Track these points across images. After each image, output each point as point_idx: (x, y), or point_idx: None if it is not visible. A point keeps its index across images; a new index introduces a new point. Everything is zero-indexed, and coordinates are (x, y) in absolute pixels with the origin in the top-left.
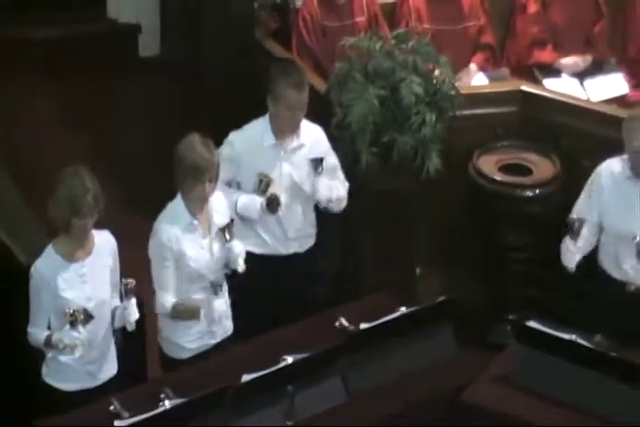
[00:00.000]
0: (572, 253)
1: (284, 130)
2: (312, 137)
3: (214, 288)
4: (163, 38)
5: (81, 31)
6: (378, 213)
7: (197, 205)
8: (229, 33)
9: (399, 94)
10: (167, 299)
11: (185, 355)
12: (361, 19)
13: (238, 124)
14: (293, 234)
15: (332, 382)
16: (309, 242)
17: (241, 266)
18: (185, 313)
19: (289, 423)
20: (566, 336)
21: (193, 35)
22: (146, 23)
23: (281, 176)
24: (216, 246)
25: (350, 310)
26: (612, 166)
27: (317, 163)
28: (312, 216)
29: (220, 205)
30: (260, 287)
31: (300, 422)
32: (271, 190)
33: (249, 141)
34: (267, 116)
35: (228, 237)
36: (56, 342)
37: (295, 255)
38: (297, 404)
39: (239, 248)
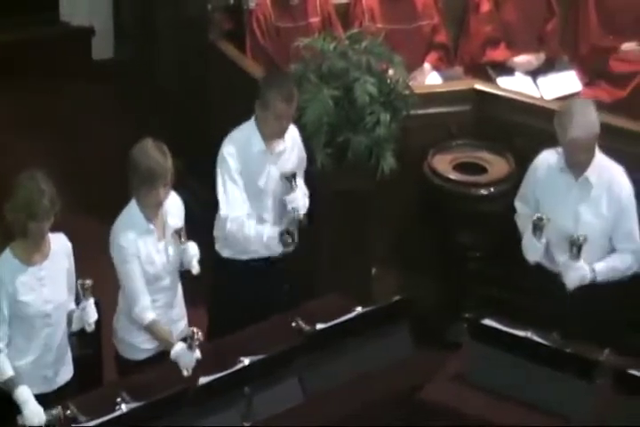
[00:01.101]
0: (537, 248)
1: (271, 135)
2: (292, 137)
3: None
4: (116, 41)
5: (34, 35)
6: (333, 213)
7: (153, 210)
8: (183, 35)
9: (353, 94)
10: (142, 305)
11: (141, 356)
12: (315, 19)
13: (193, 126)
14: (275, 233)
15: (288, 382)
16: None
17: (195, 268)
18: (160, 335)
19: (246, 424)
20: (521, 334)
21: (146, 37)
22: (99, 26)
23: (269, 179)
24: (171, 249)
25: (307, 310)
26: (548, 159)
27: (290, 178)
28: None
29: (173, 207)
30: (245, 291)
31: (257, 422)
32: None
33: (240, 146)
34: (252, 120)
35: (182, 239)
36: None
37: (277, 256)
38: (254, 405)
39: (194, 250)
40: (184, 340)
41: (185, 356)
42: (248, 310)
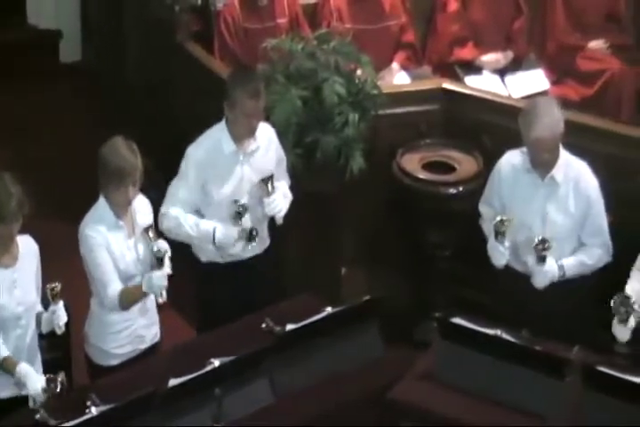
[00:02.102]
0: (501, 253)
1: (242, 135)
2: (265, 137)
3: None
4: (84, 43)
5: (1, 38)
6: (303, 213)
7: (121, 208)
8: (151, 36)
9: (322, 95)
10: (113, 288)
11: (113, 362)
12: (282, 20)
13: (162, 127)
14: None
15: (259, 383)
16: (266, 243)
17: (167, 265)
18: (131, 293)
19: (217, 426)
20: (491, 332)
21: (114, 39)
22: (66, 29)
23: (242, 180)
24: (141, 247)
25: (277, 311)
26: (512, 160)
27: (267, 181)
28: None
29: (142, 205)
30: (223, 295)
31: (228, 424)
32: (245, 217)
33: (209, 151)
34: (222, 122)
35: (151, 236)
36: None
37: (255, 257)
38: (225, 406)
39: (164, 247)
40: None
41: (154, 278)
42: (234, 311)
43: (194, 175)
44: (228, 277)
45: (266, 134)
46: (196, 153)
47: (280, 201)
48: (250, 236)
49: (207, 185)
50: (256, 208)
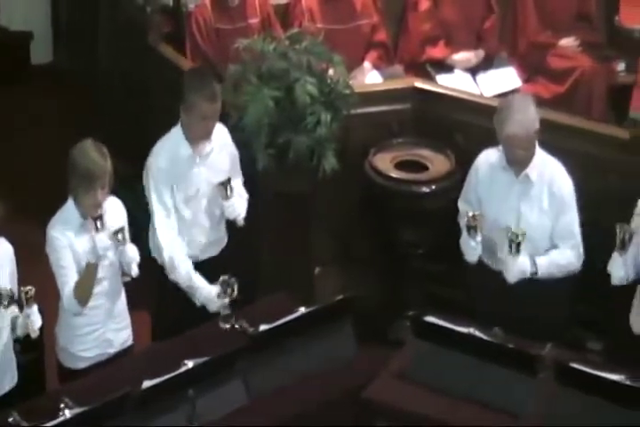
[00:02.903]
0: (473, 247)
1: (198, 138)
2: (219, 137)
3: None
4: (55, 45)
5: None
6: (276, 213)
7: (90, 211)
8: (122, 38)
9: (294, 95)
10: (70, 289)
11: (81, 365)
12: (254, 20)
13: (135, 129)
14: (213, 238)
15: (233, 384)
16: (223, 244)
17: (134, 271)
18: (84, 280)
19: None
20: (464, 330)
21: (85, 41)
22: (37, 30)
23: (200, 183)
24: (109, 250)
25: (250, 311)
26: (489, 157)
27: (225, 184)
28: (224, 219)
29: (113, 208)
30: (181, 297)
31: (202, 425)
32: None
33: (168, 158)
34: (178, 127)
35: (120, 239)
36: None
37: (211, 259)
38: (199, 407)
39: (133, 252)
40: None
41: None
42: (192, 314)
43: (164, 182)
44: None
45: (219, 134)
46: (157, 162)
47: (239, 204)
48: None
49: (174, 188)
50: (214, 210)
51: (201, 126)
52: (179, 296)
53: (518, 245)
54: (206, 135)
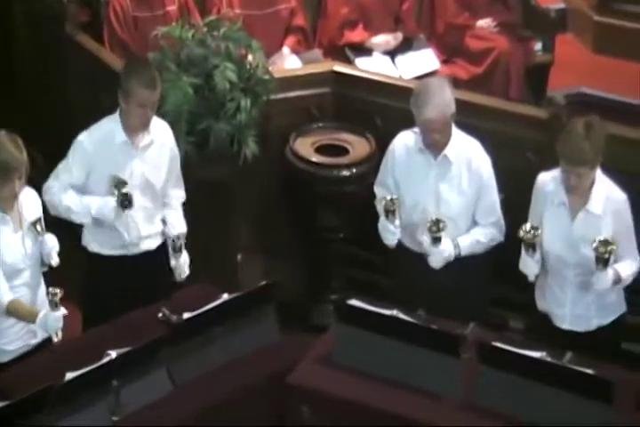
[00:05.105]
0: (391, 232)
1: (135, 126)
2: (161, 133)
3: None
4: None
5: None
6: (198, 201)
7: (7, 202)
8: (39, 28)
9: (213, 81)
10: (3, 291)
11: (3, 358)
12: (172, 8)
13: (53, 120)
14: (146, 232)
15: (156, 373)
16: (159, 239)
17: (54, 259)
18: (23, 311)
19: (115, 419)
20: (387, 312)
21: (1, 31)
22: None
23: (133, 174)
24: (29, 241)
25: (173, 300)
26: (406, 140)
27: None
28: (162, 213)
29: (29, 200)
30: (111, 287)
31: (126, 416)
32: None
33: (99, 141)
34: (116, 114)
35: (39, 230)
36: None
37: (147, 253)
38: (123, 398)
39: (52, 242)
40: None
41: (51, 318)
42: (121, 303)
43: (79, 162)
44: (115, 270)
45: (162, 130)
46: (86, 140)
47: (186, 260)
48: (124, 202)
49: (92, 174)
50: (145, 205)
51: (138, 114)
52: (107, 284)
53: (438, 235)
54: (143, 124)
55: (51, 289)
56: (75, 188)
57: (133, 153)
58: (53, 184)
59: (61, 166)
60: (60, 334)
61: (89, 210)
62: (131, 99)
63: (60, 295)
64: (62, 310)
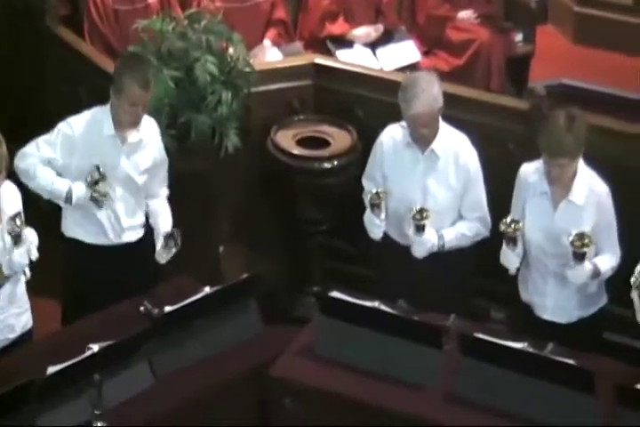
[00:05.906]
0: (377, 225)
1: (125, 123)
2: (149, 132)
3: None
4: None
5: None
6: (179, 193)
7: None
8: (19, 21)
9: (194, 75)
10: None
11: None
12: (153, 1)
13: (32, 114)
14: (127, 224)
15: (138, 367)
16: (141, 232)
17: (34, 254)
18: None
19: (97, 412)
20: (369, 304)
21: None
22: None
23: (117, 168)
24: (7, 235)
25: (155, 293)
26: (393, 134)
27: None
28: (144, 207)
29: (9, 193)
30: (90, 277)
31: (108, 410)
32: (101, 186)
33: (87, 127)
34: (107, 106)
35: (19, 224)
36: None
37: (127, 245)
38: (105, 392)
39: (32, 236)
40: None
41: (16, 256)
42: (100, 294)
43: (63, 141)
44: (95, 260)
45: (151, 130)
46: (74, 123)
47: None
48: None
49: (72, 158)
50: (127, 198)
51: (129, 111)
52: (86, 274)
53: (422, 223)
54: (133, 122)
55: (9, 222)
56: (51, 166)
57: (120, 148)
58: (31, 152)
59: (44, 138)
60: (27, 272)
61: (60, 193)
62: (122, 95)
63: (21, 225)
64: (25, 234)
